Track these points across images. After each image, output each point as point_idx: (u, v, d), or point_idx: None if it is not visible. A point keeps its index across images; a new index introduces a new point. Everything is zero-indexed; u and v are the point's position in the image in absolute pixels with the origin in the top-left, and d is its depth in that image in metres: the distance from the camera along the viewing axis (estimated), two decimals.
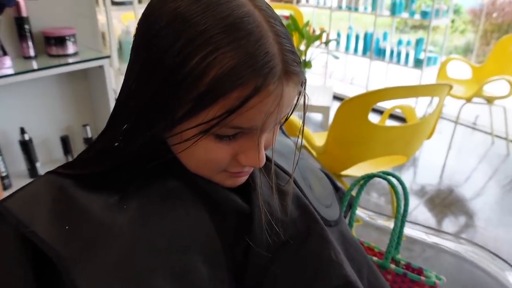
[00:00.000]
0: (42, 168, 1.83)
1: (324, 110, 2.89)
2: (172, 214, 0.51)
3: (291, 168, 0.66)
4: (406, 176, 2.95)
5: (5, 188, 1.70)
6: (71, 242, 0.45)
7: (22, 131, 1.74)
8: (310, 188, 0.67)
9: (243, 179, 0.55)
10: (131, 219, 0.48)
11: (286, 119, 0.54)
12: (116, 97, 0.52)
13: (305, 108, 0.52)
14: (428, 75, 3.90)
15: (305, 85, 0.50)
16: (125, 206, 0.49)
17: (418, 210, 2.54)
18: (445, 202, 2.63)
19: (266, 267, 0.55)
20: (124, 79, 0.50)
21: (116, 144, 0.53)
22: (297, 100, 0.51)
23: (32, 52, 1.69)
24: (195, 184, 0.54)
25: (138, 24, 0.48)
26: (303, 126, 0.54)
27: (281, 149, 0.69)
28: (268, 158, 0.64)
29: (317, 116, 4.00)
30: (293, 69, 0.46)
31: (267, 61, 0.43)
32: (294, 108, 0.52)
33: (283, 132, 0.79)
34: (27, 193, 0.49)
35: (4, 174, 1.71)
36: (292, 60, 0.46)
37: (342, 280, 0.56)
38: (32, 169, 1.81)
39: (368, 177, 0.85)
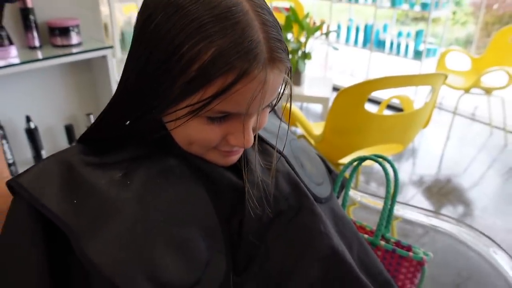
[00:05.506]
0: (47, 155, 1.87)
1: (324, 101, 2.92)
2: (172, 190, 0.55)
3: (283, 148, 0.70)
4: (405, 166, 2.99)
5: (12, 175, 1.74)
6: (79, 214, 0.50)
7: (28, 119, 1.78)
8: (301, 166, 0.71)
9: (235, 157, 0.59)
10: (134, 194, 0.52)
11: (275, 105, 0.58)
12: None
13: (291, 92, 0.56)
14: (428, 67, 3.91)
15: (290, 73, 0.53)
16: (129, 182, 0.53)
17: (415, 199, 2.58)
18: (443, 191, 2.66)
19: (259, 240, 0.59)
20: (124, 69, 0.54)
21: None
22: (284, 88, 0.54)
23: (37, 42, 1.73)
24: (193, 164, 0.58)
25: (138, 13, 0.52)
26: (290, 108, 0.58)
27: (275, 131, 0.73)
28: (261, 139, 0.68)
29: (317, 107, 4.03)
30: (278, 56, 0.49)
31: (252, 48, 0.46)
32: (281, 94, 0.55)
33: (278, 116, 0.83)
34: (38, 170, 0.53)
35: (10, 161, 1.76)
36: (277, 48, 0.49)
37: (330, 251, 0.60)
38: (37, 157, 1.86)
39: (360, 159, 0.89)
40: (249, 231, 0.58)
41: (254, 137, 0.58)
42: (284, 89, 0.55)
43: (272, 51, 0.48)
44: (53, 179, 0.52)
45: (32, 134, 1.81)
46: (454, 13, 6.34)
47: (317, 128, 2.09)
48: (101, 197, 0.51)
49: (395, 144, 2.08)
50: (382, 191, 2.62)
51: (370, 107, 1.77)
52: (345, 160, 2.00)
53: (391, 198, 0.84)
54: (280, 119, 0.82)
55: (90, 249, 0.48)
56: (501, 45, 3.38)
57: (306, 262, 0.59)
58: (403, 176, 2.83)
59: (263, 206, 0.60)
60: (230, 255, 0.57)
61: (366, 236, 0.84)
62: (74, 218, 0.49)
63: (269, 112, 0.59)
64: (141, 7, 0.51)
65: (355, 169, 0.90)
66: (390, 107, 3.77)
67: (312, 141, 2.08)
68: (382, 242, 0.82)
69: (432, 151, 3.22)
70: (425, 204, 2.54)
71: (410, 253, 0.80)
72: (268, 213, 0.60)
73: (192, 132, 0.53)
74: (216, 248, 0.55)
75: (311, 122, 2.77)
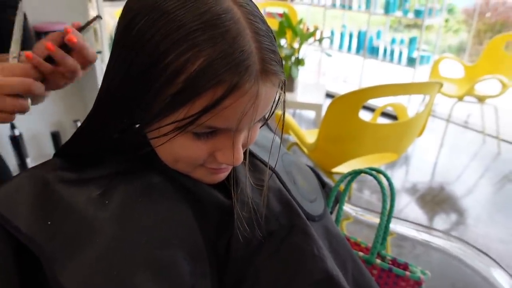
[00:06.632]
0: (32, 164, 1.82)
1: (317, 107, 2.89)
2: (154, 210, 0.51)
3: (276, 164, 0.66)
4: (398, 174, 2.97)
5: None
6: (54, 237, 0.46)
7: (12, 126, 1.73)
8: (294, 183, 0.67)
9: (222, 175, 0.55)
10: (113, 214, 0.48)
11: (267, 119, 0.54)
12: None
13: (284, 107, 0.52)
14: (421, 74, 3.92)
15: (284, 86, 0.49)
16: (107, 201, 0.49)
17: (409, 207, 2.56)
18: (436, 199, 2.64)
19: (248, 261, 0.55)
20: (105, 72, 0.50)
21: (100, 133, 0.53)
22: (277, 101, 0.50)
23: None
24: (178, 181, 0.54)
25: (120, 17, 0.48)
26: (283, 123, 0.54)
27: (266, 144, 0.70)
28: (252, 154, 0.64)
29: (310, 114, 4.01)
30: (271, 68, 0.45)
31: (243, 60, 0.42)
32: (274, 109, 0.51)
33: (269, 128, 0.79)
34: (9, 188, 0.49)
35: None
36: (270, 59, 0.45)
37: (323, 274, 0.56)
38: (22, 165, 1.80)
39: (355, 173, 0.85)
40: (237, 253, 0.55)
41: (244, 153, 0.54)
42: (277, 104, 0.51)
43: (265, 62, 0.44)
44: (26, 198, 0.48)
45: (16, 141, 1.76)
46: (446, 20, 6.37)
47: (310, 136, 2.06)
48: (78, 217, 0.47)
49: (390, 153, 2.06)
50: (375, 199, 2.60)
51: (363, 114, 1.75)
52: (339, 169, 1.97)
53: (387, 214, 0.81)
54: (274, 132, 0.79)
55: (63, 274, 0.44)
56: (494, 54, 3.39)
57: (299, 285, 0.56)
58: (397, 183, 2.81)
59: (252, 229, 0.56)
60: (216, 278, 0.53)
61: (361, 253, 0.81)
62: (47, 240, 0.46)
63: (261, 127, 0.55)
64: (123, 9, 0.47)
65: (349, 183, 0.87)
66: (384, 114, 3.75)
67: (305, 150, 2.05)
68: (378, 261, 0.79)
69: (425, 158, 3.21)
70: (419, 213, 2.52)
71: (407, 272, 0.77)
72: (258, 236, 0.56)
73: (177, 149, 0.49)
74: (201, 271, 0.51)
75: (304, 128, 2.75)
